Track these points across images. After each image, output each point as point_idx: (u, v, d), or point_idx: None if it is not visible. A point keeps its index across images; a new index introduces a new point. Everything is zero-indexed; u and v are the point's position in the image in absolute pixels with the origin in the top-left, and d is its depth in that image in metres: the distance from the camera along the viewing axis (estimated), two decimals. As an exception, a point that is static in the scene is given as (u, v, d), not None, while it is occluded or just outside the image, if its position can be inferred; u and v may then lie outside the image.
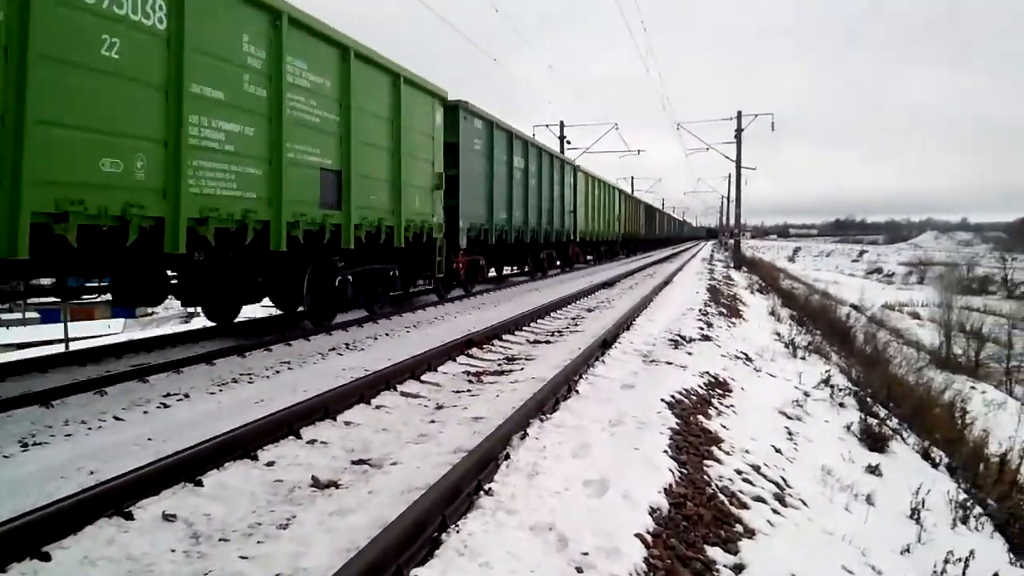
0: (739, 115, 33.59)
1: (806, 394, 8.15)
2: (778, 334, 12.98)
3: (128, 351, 7.90)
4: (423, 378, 6.70)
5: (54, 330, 27.80)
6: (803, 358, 10.78)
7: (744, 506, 4.27)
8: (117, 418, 5.17)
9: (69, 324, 20.59)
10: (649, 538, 3.37)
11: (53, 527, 3.09)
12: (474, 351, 8.10)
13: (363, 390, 5.75)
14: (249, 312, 12.25)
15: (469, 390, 6.38)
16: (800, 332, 13.86)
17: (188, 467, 3.83)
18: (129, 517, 3.34)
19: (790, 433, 6.46)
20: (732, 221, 41.85)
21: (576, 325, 10.71)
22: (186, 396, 5.86)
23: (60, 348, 15.20)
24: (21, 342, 31.55)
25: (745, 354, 9.75)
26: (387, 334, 9.46)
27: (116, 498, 3.38)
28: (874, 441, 7.06)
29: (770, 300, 20.82)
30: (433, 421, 5.33)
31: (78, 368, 7.05)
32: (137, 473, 3.59)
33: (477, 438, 4.52)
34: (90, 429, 4.90)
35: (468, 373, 7.10)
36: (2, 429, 4.86)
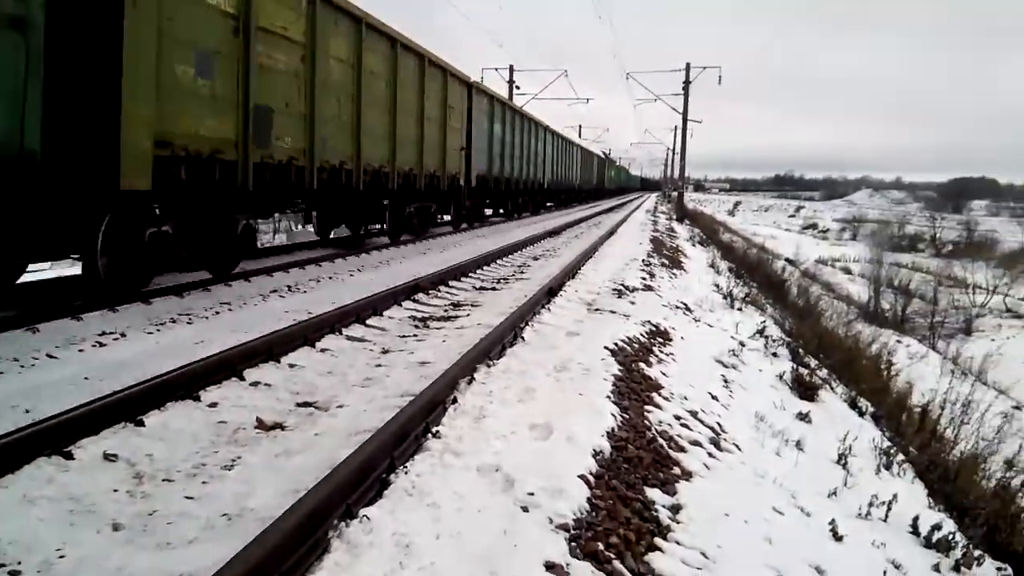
0: (688, 67, 33.69)
1: (742, 344, 8.40)
2: (717, 286, 13.28)
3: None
4: (368, 322, 6.66)
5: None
6: (740, 309, 11.08)
7: (682, 450, 4.42)
8: (51, 356, 5.01)
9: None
10: (592, 479, 3.46)
11: (-12, 466, 3.00)
12: (420, 296, 8.08)
13: (307, 332, 5.69)
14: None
15: (415, 335, 6.38)
16: (738, 284, 14.21)
17: (128, 407, 3.75)
18: (69, 456, 3.27)
19: (726, 381, 6.67)
20: (677, 173, 42.22)
21: (522, 273, 10.76)
22: (122, 335, 5.70)
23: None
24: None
25: (685, 304, 9.96)
26: (330, 277, 9.35)
27: (54, 437, 3.30)
28: (804, 390, 7.35)
29: (710, 253, 21.23)
30: (379, 365, 5.33)
31: None
32: (75, 412, 3.50)
33: (424, 382, 4.54)
34: (23, 367, 4.74)
35: (414, 318, 7.09)
36: (-73, 366, 4.67)
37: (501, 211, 25.80)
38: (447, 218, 18.95)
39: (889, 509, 4.47)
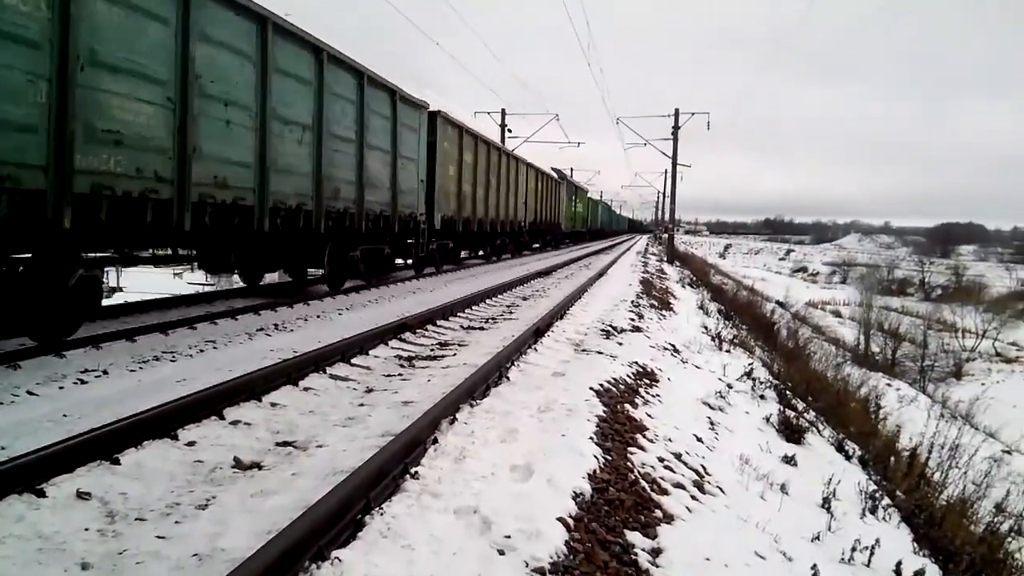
0: (676, 112, 34.13)
1: (729, 386, 8.40)
2: (706, 327, 13.31)
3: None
4: (354, 361, 6.64)
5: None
6: (728, 351, 11.10)
7: (664, 492, 4.39)
8: (31, 393, 4.98)
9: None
10: (571, 522, 3.43)
11: (-43, 504, 2.99)
12: (407, 335, 8.07)
13: (291, 371, 5.67)
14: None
15: (400, 374, 6.36)
16: (726, 326, 14.25)
17: (104, 444, 3.72)
18: (41, 495, 3.23)
19: (712, 423, 6.65)
20: (667, 216, 42.56)
21: (511, 313, 10.78)
22: (104, 373, 5.67)
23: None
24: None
25: (673, 346, 9.97)
26: (318, 316, 9.34)
27: (27, 475, 3.26)
28: (791, 433, 7.33)
29: (700, 294, 21.30)
30: (362, 404, 5.30)
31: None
32: (50, 449, 3.47)
33: (406, 422, 4.51)
34: (1, 404, 4.71)
35: (400, 357, 7.07)
36: (-96, 402, 4.64)
37: (535, 245, 33.54)
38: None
39: (872, 554, 4.43)
